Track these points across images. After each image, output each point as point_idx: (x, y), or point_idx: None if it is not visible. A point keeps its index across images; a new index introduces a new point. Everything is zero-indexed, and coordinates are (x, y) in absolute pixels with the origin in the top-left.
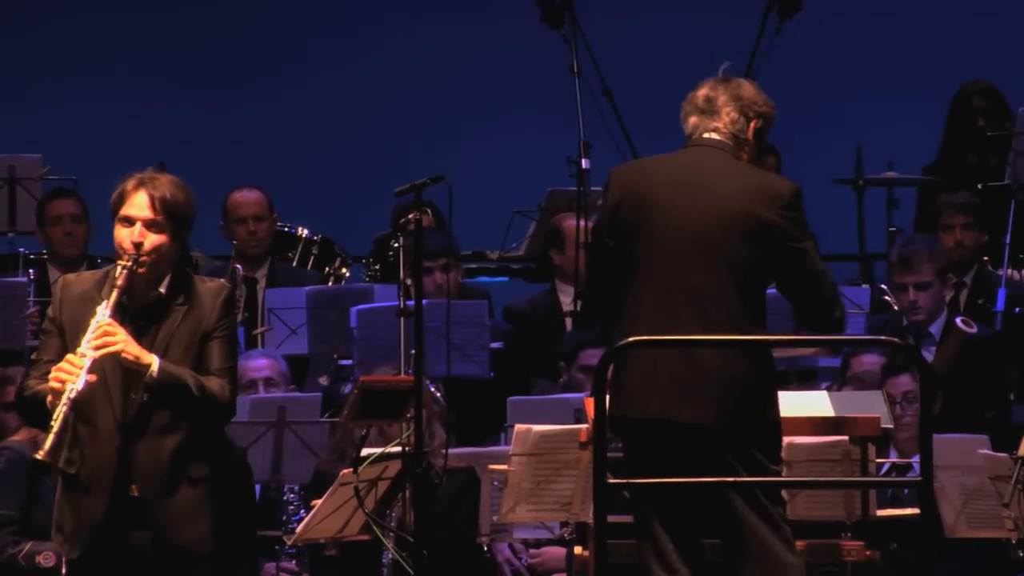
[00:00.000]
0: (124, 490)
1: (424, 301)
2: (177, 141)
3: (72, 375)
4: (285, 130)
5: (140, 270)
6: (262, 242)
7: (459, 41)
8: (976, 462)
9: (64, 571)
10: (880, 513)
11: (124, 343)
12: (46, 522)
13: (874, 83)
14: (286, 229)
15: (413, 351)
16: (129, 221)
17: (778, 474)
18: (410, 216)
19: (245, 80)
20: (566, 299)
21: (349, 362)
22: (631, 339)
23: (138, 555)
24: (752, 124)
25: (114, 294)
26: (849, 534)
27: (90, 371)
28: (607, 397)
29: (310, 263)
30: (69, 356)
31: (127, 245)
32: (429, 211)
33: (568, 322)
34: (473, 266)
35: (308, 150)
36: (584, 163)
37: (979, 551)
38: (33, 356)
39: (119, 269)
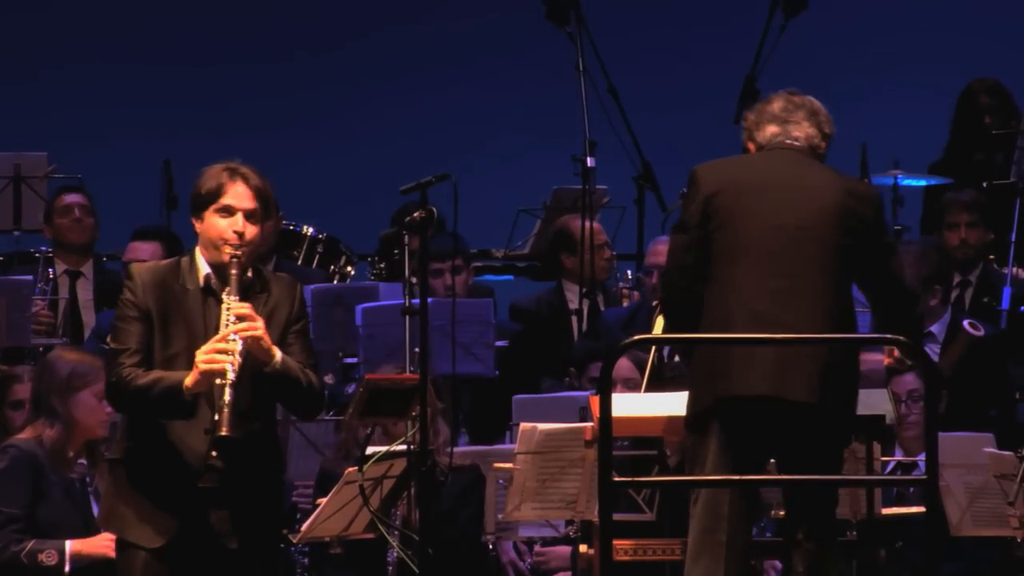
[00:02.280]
0: (210, 477)
1: (429, 300)
2: (182, 139)
3: (227, 355)
4: (290, 128)
5: (243, 261)
6: (267, 240)
7: (465, 39)
8: (981, 460)
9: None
10: (885, 511)
11: (263, 330)
12: (50, 520)
13: (879, 81)
14: (291, 227)
15: (418, 349)
16: (230, 211)
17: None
18: (415, 215)
19: (250, 79)
20: (572, 297)
21: (354, 360)
22: (636, 337)
23: (215, 544)
24: (825, 141)
25: (234, 280)
26: (855, 532)
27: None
28: (713, 383)
29: (315, 261)
30: (214, 340)
31: (230, 236)
32: (435, 209)
33: (574, 320)
34: (478, 264)
35: (313, 148)
36: (589, 161)
37: (984, 549)
38: (112, 344)
39: (231, 260)
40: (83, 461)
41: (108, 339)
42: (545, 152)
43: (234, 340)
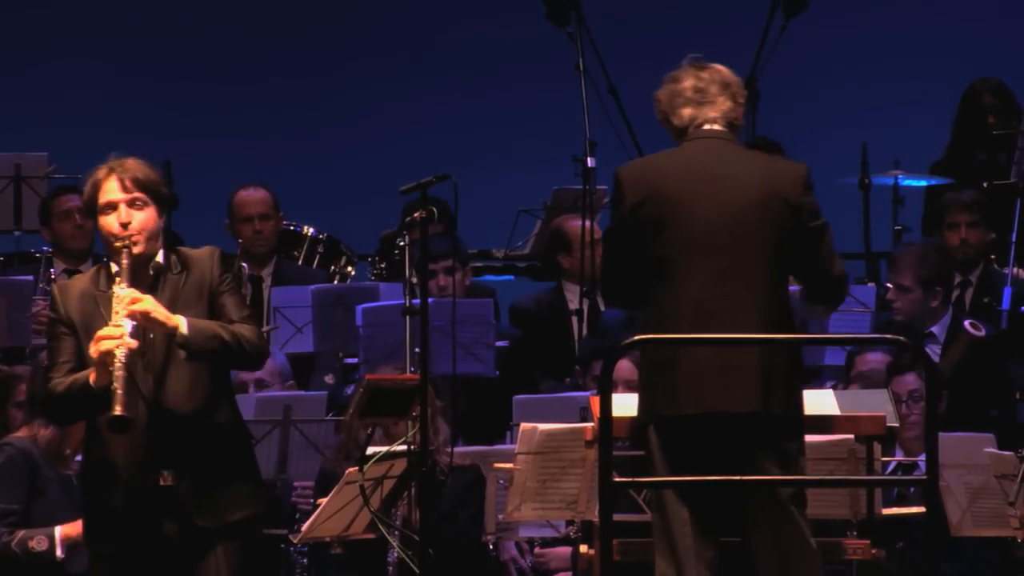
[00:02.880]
0: (154, 478)
1: (430, 300)
2: (183, 140)
3: (114, 339)
4: (290, 129)
5: (136, 249)
6: (268, 240)
7: (465, 39)
8: (982, 461)
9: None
10: (886, 512)
11: (153, 304)
12: (47, 517)
13: (880, 81)
14: (292, 227)
15: (418, 349)
16: (111, 207)
17: (804, 468)
18: (415, 214)
19: (250, 79)
20: (572, 297)
21: (355, 360)
22: (636, 338)
23: (166, 541)
24: (740, 109)
25: (125, 269)
26: (855, 532)
27: (132, 336)
28: (647, 396)
29: (316, 261)
30: (104, 327)
31: (116, 229)
32: (435, 210)
33: (574, 321)
34: (479, 264)
35: (314, 148)
36: (590, 162)
37: (984, 550)
38: (46, 363)
39: (121, 250)
40: (80, 458)
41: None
42: (545, 152)
43: (121, 323)
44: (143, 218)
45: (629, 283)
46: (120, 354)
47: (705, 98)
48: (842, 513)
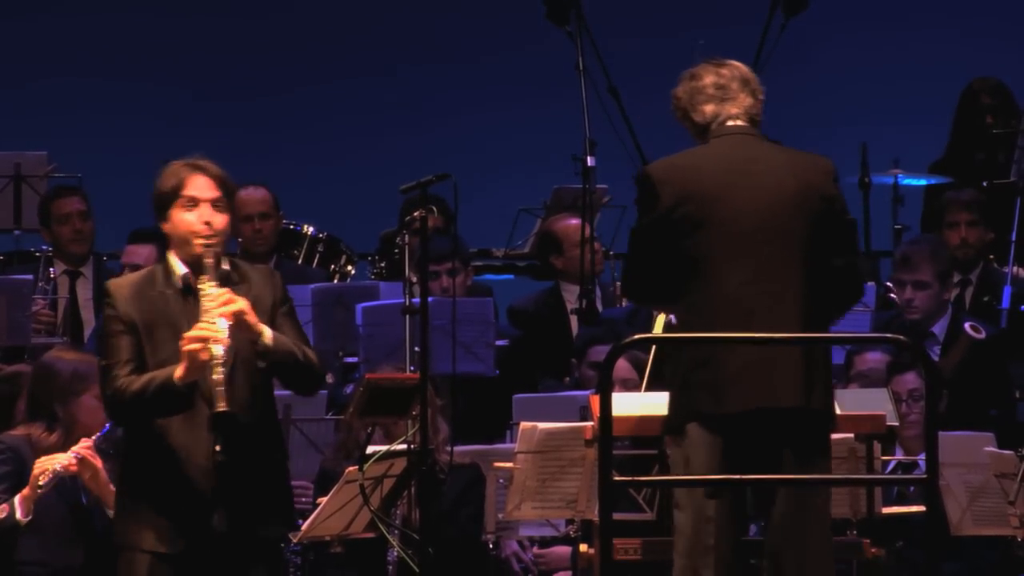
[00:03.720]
0: (210, 482)
1: (430, 299)
2: (182, 138)
3: (210, 337)
4: (290, 128)
5: (217, 250)
6: (267, 240)
7: (466, 38)
8: (982, 460)
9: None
10: (886, 510)
11: (247, 305)
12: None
13: (879, 81)
14: (292, 226)
15: (418, 348)
16: (194, 202)
17: (829, 468)
18: (415, 214)
19: (250, 77)
20: (570, 297)
21: (355, 359)
22: (635, 337)
23: (220, 543)
24: (760, 104)
25: (211, 268)
26: (855, 531)
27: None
28: (687, 393)
29: (316, 260)
30: (199, 323)
31: (199, 227)
32: (435, 209)
33: (573, 320)
34: (479, 264)
35: (314, 148)
36: (590, 161)
37: (984, 549)
38: (103, 361)
39: (204, 250)
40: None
41: (99, 358)
42: (545, 151)
43: (216, 321)
44: (223, 221)
45: (657, 282)
46: (218, 352)
47: (727, 94)
48: (842, 512)
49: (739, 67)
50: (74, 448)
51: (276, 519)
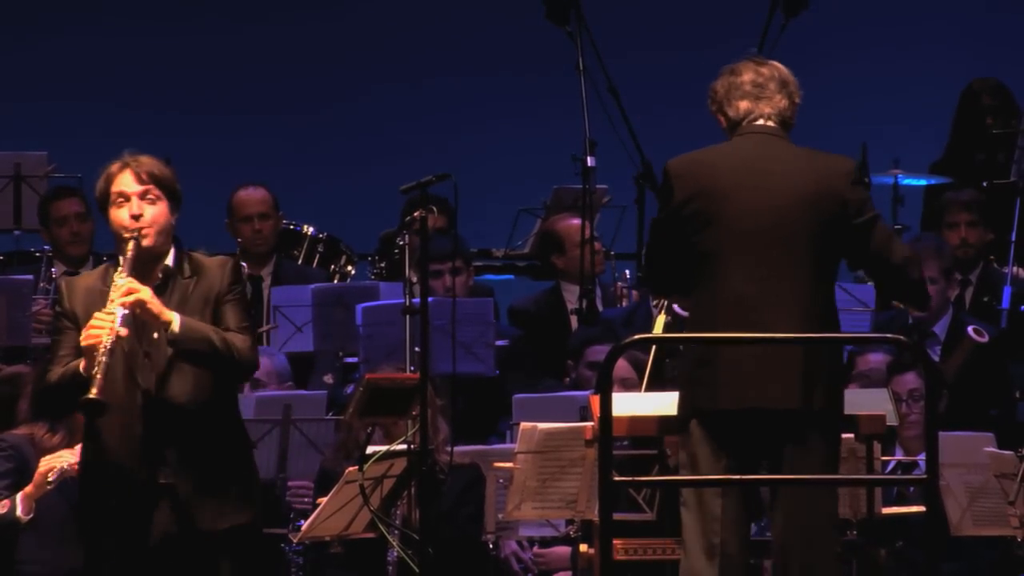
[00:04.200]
0: (153, 476)
1: (430, 299)
2: (182, 138)
3: (104, 327)
4: (291, 128)
5: (145, 242)
6: (267, 240)
7: (465, 38)
8: (982, 460)
9: None
10: (886, 511)
11: (149, 295)
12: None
13: (879, 80)
14: (291, 227)
15: (418, 348)
16: (124, 197)
17: (838, 467)
18: (415, 214)
19: (250, 78)
20: (571, 297)
21: (355, 359)
22: (635, 337)
23: (162, 540)
24: (795, 108)
25: (129, 260)
26: (855, 531)
27: (122, 325)
28: (689, 391)
29: (316, 261)
30: (97, 314)
31: (127, 221)
32: (435, 208)
33: (573, 320)
34: (479, 264)
35: (314, 148)
36: (589, 161)
37: (984, 549)
38: (48, 355)
39: (128, 243)
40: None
41: None
42: (545, 151)
43: (113, 312)
44: (155, 212)
45: (675, 272)
46: (106, 340)
47: (763, 93)
48: (842, 512)
49: (780, 68)
50: (78, 447)
51: (232, 510)
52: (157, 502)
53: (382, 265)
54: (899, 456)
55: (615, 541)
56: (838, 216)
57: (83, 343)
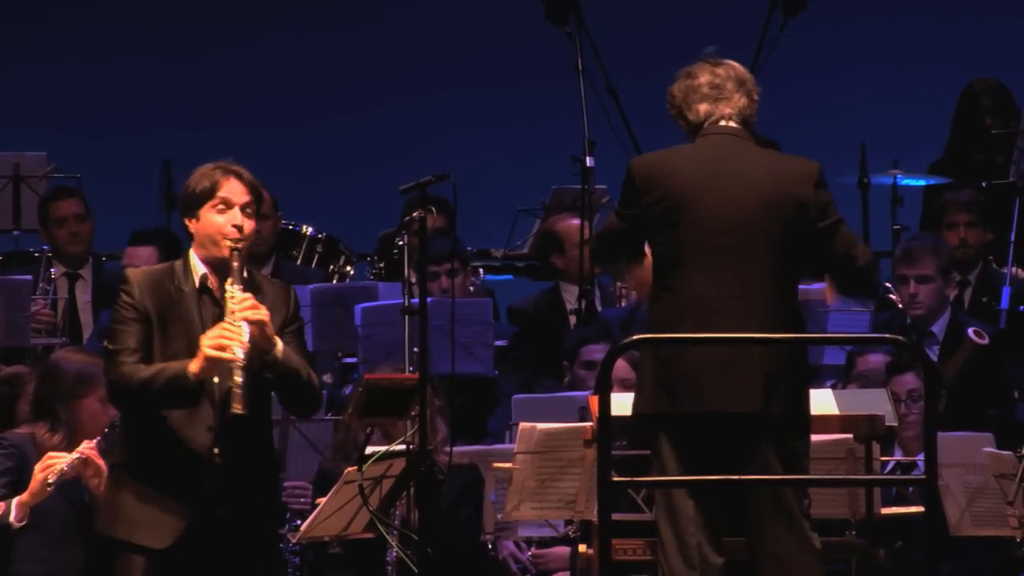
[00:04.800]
0: (206, 480)
1: (429, 299)
2: (181, 138)
3: (234, 339)
4: (289, 128)
5: (242, 252)
6: (266, 240)
7: (465, 39)
8: (980, 460)
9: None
10: (885, 511)
11: (268, 316)
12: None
13: (879, 81)
14: (290, 227)
15: (417, 349)
16: (228, 205)
17: (807, 468)
18: (414, 214)
19: (249, 78)
20: (570, 298)
21: (354, 360)
22: (635, 337)
23: (218, 543)
24: (755, 106)
25: (236, 271)
26: (854, 532)
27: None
28: (650, 391)
29: (315, 261)
30: (223, 324)
31: (229, 229)
32: (434, 209)
33: (572, 320)
34: (478, 264)
35: (313, 148)
36: (588, 161)
37: (983, 549)
38: (110, 346)
39: (232, 252)
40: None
41: (105, 342)
42: (544, 152)
43: (240, 325)
44: (252, 226)
45: (618, 254)
46: (240, 354)
47: (721, 94)
48: (841, 513)
49: (735, 67)
50: (78, 449)
51: (269, 517)
52: (199, 509)
53: (381, 265)
54: (898, 456)
55: (614, 541)
56: (799, 219)
57: (210, 352)
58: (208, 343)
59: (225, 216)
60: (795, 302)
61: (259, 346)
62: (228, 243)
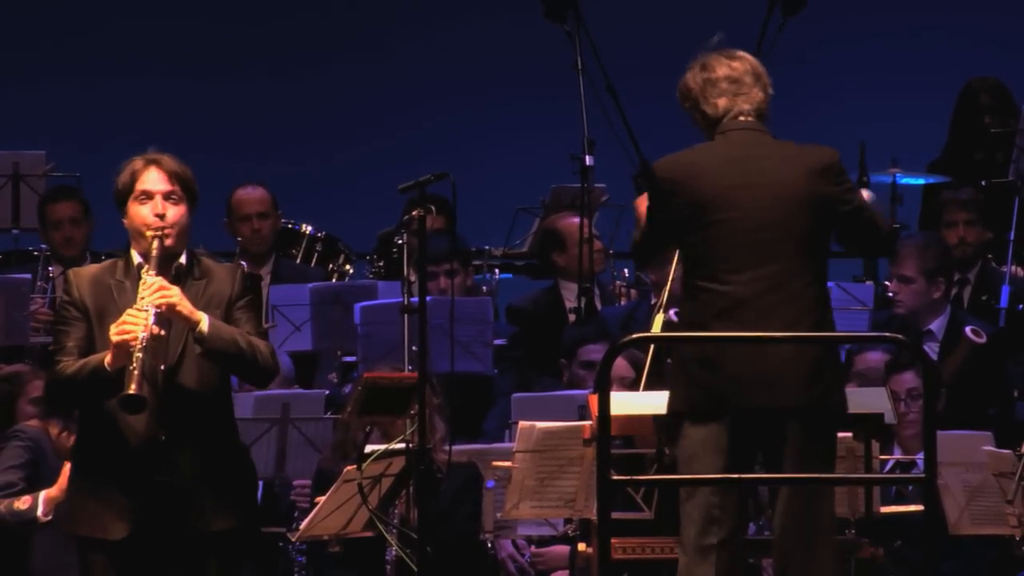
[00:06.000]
0: (153, 471)
1: (428, 298)
2: (181, 137)
3: (137, 324)
4: (289, 127)
5: (167, 242)
6: (266, 239)
7: (464, 37)
8: (980, 459)
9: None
10: (884, 510)
11: (179, 296)
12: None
13: (878, 80)
14: (290, 226)
15: (416, 347)
16: (148, 196)
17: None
18: (414, 213)
19: (249, 77)
20: (569, 296)
21: (353, 359)
22: (633, 336)
23: (157, 536)
24: (769, 99)
25: (154, 258)
26: (853, 531)
27: (156, 324)
28: (686, 391)
29: (314, 260)
30: (129, 311)
31: (151, 220)
32: (433, 208)
33: (571, 319)
34: (477, 263)
35: (312, 147)
36: (588, 160)
37: (982, 548)
38: (51, 347)
39: (152, 241)
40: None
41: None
42: (544, 150)
43: (146, 310)
44: (177, 213)
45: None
46: (142, 337)
47: (740, 89)
48: (840, 511)
49: (751, 60)
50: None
51: (226, 512)
52: (151, 499)
53: (380, 264)
54: (897, 455)
55: (613, 540)
56: (825, 210)
57: (115, 338)
58: (114, 330)
59: (147, 206)
60: (825, 293)
61: (181, 324)
62: (150, 232)
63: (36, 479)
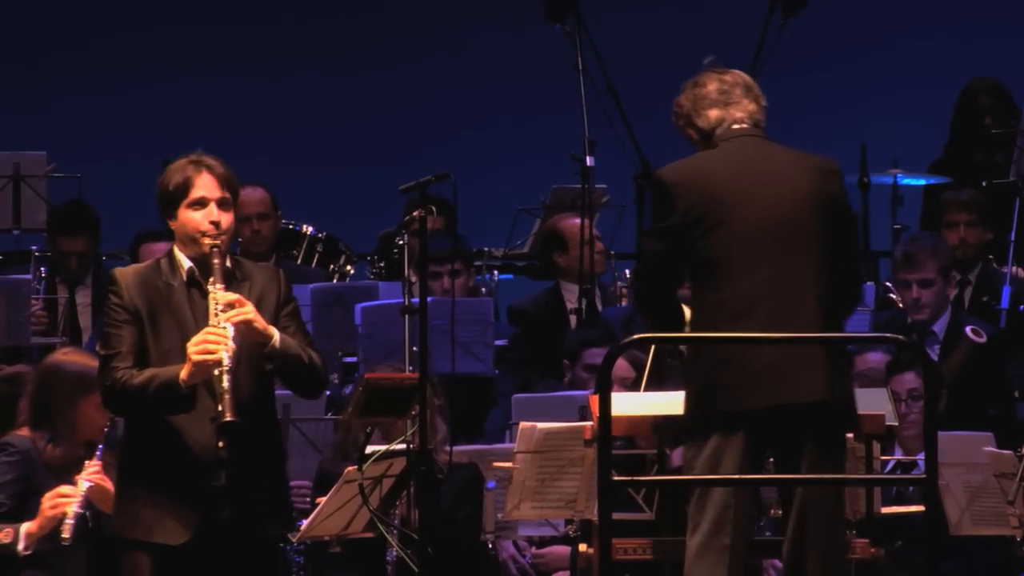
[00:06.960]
0: (211, 478)
1: (429, 299)
2: (181, 138)
3: (219, 343)
4: (290, 128)
5: (222, 249)
6: (266, 240)
7: (464, 38)
8: (981, 459)
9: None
10: (885, 510)
11: (255, 313)
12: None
13: (879, 80)
14: (291, 226)
15: (417, 348)
16: (202, 203)
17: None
18: (414, 213)
19: (249, 77)
20: (570, 297)
21: (354, 359)
22: (635, 336)
23: (223, 537)
24: (763, 111)
25: (217, 269)
26: (854, 531)
27: (233, 340)
28: (708, 392)
29: (315, 260)
30: (207, 329)
31: (206, 227)
32: (434, 208)
33: (573, 320)
34: (478, 264)
35: (313, 147)
36: (588, 160)
37: (983, 548)
38: (102, 351)
39: (211, 251)
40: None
41: (97, 347)
42: (544, 151)
43: (225, 327)
44: (229, 219)
45: (667, 289)
46: (227, 358)
47: (731, 99)
48: None
49: (741, 75)
50: (82, 476)
51: (275, 517)
52: (210, 505)
53: (381, 265)
54: (898, 456)
55: (614, 541)
56: (833, 211)
57: (195, 357)
58: (193, 349)
59: (201, 213)
60: (836, 291)
61: (253, 340)
62: (207, 240)
63: (28, 493)
